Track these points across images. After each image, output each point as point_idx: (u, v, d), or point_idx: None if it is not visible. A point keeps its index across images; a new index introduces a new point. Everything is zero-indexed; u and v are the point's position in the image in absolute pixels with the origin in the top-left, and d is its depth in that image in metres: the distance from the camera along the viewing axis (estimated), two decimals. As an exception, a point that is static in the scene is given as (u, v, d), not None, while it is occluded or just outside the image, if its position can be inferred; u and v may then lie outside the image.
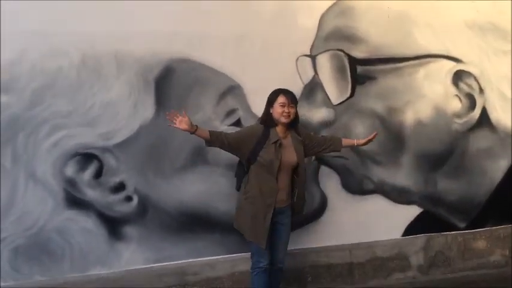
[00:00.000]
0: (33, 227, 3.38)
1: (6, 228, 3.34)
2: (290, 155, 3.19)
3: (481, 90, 4.49)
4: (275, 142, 3.13)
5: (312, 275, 4.03)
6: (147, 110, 3.57)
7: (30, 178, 3.36)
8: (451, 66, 4.41)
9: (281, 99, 3.16)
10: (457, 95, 4.42)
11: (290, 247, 3.84)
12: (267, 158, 3.11)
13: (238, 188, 3.34)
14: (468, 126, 4.46)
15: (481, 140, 4.50)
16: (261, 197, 3.13)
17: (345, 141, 3.53)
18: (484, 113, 4.52)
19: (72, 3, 3.38)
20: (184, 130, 3.05)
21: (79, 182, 3.46)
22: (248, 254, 3.55)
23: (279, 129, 3.20)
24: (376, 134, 3.52)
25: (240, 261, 3.81)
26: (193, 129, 3.05)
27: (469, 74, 4.45)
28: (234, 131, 3.35)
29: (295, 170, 3.23)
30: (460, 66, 4.43)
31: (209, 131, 3.13)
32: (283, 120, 3.15)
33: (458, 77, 4.42)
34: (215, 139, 3.11)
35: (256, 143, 3.13)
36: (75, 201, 3.46)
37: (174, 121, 3.05)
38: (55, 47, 3.36)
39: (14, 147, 3.32)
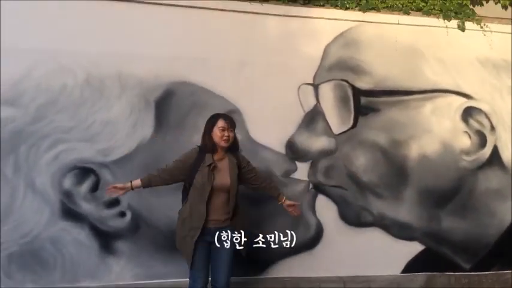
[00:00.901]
0: (28, 235, 3.54)
1: (3, 235, 3.50)
2: (224, 178, 3.21)
3: (493, 128, 4.37)
4: (209, 165, 3.16)
5: (303, 304, 3.98)
6: (146, 129, 3.71)
7: (29, 188, 3.53)
8: (460, 102, 4.33)
9: (221, 123, 3.19)
10: (466, 132, 4.33)
11: (280, 274, 3.89)
12: (200, 181, 3.14)
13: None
14: (478, 164, 4.34)
15: (491, 179, 4.37)
16: (190, 220, 3.16)
17: (282, 198, 3.46)
18: (496, 151, 4.38)
19: (79, 23, 3.59)
20: (125, 192, 3.18)
21: (75, 195, 3.61)
22: (235, 278, 3.60)
23: (218, 153, 3.22)
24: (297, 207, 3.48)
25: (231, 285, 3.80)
26: (129, 188, 3.18)
27: (479, 110, 4.35)
28: (172, 163, 3.27)
29: (228, 191, 3.23)
30: (470, 103, 4.35)
31: (140, 179, 3.20)
32: (223, 144, 3.18)
33: (468, 113, 4.33)
34: (147, 182, 3.21)
35: (192, 168, 3.17)
36: (70, 212, 3.61)
37: (113, 192, 3.18)
38: (61, 65, 3.57)
39: (15, 158, 3.51)
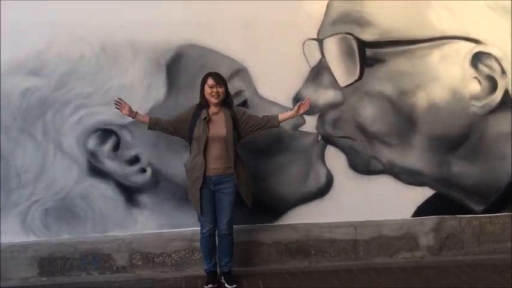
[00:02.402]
0: (60, 191, 3.96)
1: (39, 192, 3.94)
2: (219, 129, 3.51)
3: (503, 72, 4.35)
4: (204, 119, 3.48)
5: (315, 248, 4.25)
6: (159, 91, 3.98)
7: (58, 149, 3.93)
8: (469, 48, 4.32)
9: (210, 81, 3.51)
10: (476, 77, 4.33)
11: (292, 221, 4.14)
12: (197, 133, 3.49)
13: None
14: (488, 109, 4.36)
15: (502, 124, 4.38)
16: (193, 171, 3.52)
17: (282, 116, 3.71)
18: (507, 95, 4.38)
19: (92, -4, 3.86)
20: (125, 114, 3.59)
21: (99, 154, 3.97)
22: (249, 226, 4.07)
23: (212, 108, 3.55)
24: (308, 101, 3.70)
25: (242, 232, 4.11)
26: (132, 115, 3.57)
27: (489, 55, 4.33)
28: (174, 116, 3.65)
29: (224, 141, 3.52)
30: (479, 48, 4.33)
31: (149, 117, 3.60)
32: (213, 100, 3.51)
33: (478, 58, 4.32)
34: (154, 124, 3.60)
35: (191, 122, 3.53)
36: (96, 170, 3.99)
37: (119, 106, 3.57)
38: (78, 36, 3.87)
39: (44, 123, 3.90)
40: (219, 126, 3.53)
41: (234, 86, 4.03)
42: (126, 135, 3.97)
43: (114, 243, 4.02)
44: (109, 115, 3.93)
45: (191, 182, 3.56)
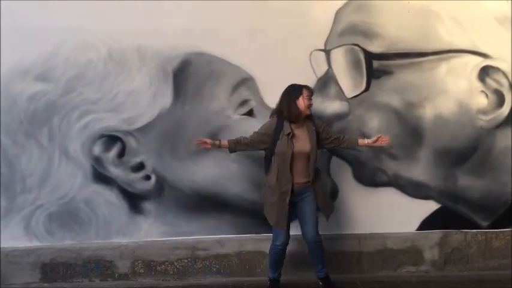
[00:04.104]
0: (65, 196, 3.96)
1: (43, 196, 3.93)
2: (303, 145, 3.52)
3: (511, 87, 4.33)
4: (287, 134, 3.48)
5: (319, 260, 4.19)
6: (166, 98, 3.98)
7: (63, 155, 3.93)
8: (477, 62, 4.31)
9: (307, 92, 3.53)
10: (483, 91, 4.32)
11: (296, 232, 4.08)
12: (282, 149, 3.47)
13: (266, 173, 3.71)
14: (495, 123, 4.33)
15: (509, 138, 4.35)
16: (278, 186, 3.50)
17: (361, 141, 3.80)
18: (515, 110, 4.36)
19: (100, 3, 3.90)
20: (211, 147, 3.62)
21: (104, 160, 3.97)
22: (255, 236, 4.07)
23: (296, 122, 3.54)
24: (388, 138, 3.78)
25: (247, 241, 4.11)
26: (216, 145, 3.58)
27: (497, 69, 4.32)
28: (254, 132, 3.65)
29: (308, 156, 3.54)
30: (487, 62, 4.31)
31: (228, 140, 3.61)
32: (307, 112, 3.55)
33: (485, 72, 4.31)
34: (235, 146, 3.60)
35: (272, 137, 3.51)
36: (101, 176, 3.98)
37: (201, 146, 3.60)
38: (86, 42, 3.90)
39: (50, 127, 3.92)
40: (303, 141, 3.53)
41: (240, 95, 4.06)
42: (131, 142, 3.97)
43: (117, 250, 4.01)
44: (115, 121, 3.94)
45: (276, 195, 3.51)
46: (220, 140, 3.62)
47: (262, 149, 3.63)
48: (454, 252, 4.34)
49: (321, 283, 3.80)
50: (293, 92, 3.55)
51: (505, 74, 4.33)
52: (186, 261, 4.09)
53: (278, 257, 3.68)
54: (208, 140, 3.58)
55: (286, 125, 3.51)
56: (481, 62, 4.32)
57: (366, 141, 3.80)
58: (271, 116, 3.68)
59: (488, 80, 4.32)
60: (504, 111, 4.35)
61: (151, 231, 4.06)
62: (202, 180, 4.05)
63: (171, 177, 4.03)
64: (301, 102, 3.50)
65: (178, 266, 4.09)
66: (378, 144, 3.76)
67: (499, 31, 4.33)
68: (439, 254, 4.32)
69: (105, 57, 3.91)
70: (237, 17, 4.03)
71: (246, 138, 3.60)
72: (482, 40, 4.31)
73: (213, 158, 4.05)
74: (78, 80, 3.90)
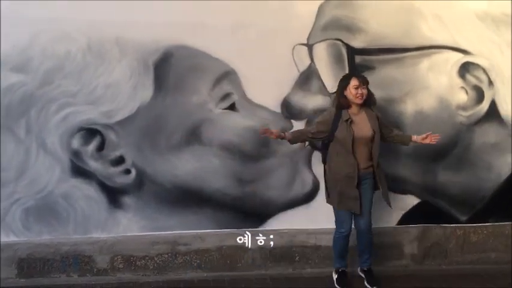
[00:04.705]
0: (42, 190, 3.88)
1: (20, 190, 3.85)
2: (363, 130, 3.60)
3: (491, 83, 4.38)
4: (346, 120, 3.56)
5: (300, 254, 4.21)
6: (146, 91, 3.92)
7: (40, 148, 3.84)
8: (457, 58, 4.34)
9: (354, 82, 3.57)
10: (463, 87, 4.35)
11: (278, 226, 4.11)
12: (341, 135, 3.55)
13: (323, 161, 3.79)
14: (475, 119, 4.37)
15: (488, 134, 4.40)
16: (343, 171, 3.58)
17: (414, 138, 3.82)
18: (494, 106, 4.41)
19: (79, -9, 3.80)
20: (276, 138, 3.63)
21: (83, 154, 3.90)
22: (236, 230, 4.06)
23: (352, 109, 3.62)
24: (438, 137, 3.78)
25: (228, 236, 4.09)
26: (282, 136, 3.61)
27: (477, 66, 4.36)
28: (314, 124, 3.73)
29: (370, 141, 3.63)
30: (467, 58, 4.35)
31: (291, 133, 3.68)
32: (358, 101, 3.58)
33: (466, 69, 4.34)
34: (296, 139, 3.69)
35: (332, 125, 3.57)
36: (79, 170, 3.91)
37: (266, 134, 3.61)
38: (64, 32, 3.80)
39: (27, 120, 3.82)
40: (363, 126, 3.60)
41: (222, 88, 4.02)
42: (111, 136, 3.90)
43: (96, 245, 3.95)
44: (94, 114, 3.86)
45: (342, 182, 3.58)
46: (285, 132, 3.65)
47: (321, 139, 3.69)
48: (433, 247, 4.39)
49: (362, 274, 3.87)
50: (341, 81, 3.66)
51: (484, 71, 4.37)
52: (166, 256, 4.05)
53: (344, 243, 3.75)
54: (274, 130, 3.60)
55: (344, 112, 3.60)
56: (461, 58, 4.35)
57: (415, 137, 3.82)
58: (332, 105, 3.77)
59: (468, 77, 4.36)
60: (483, 107, 4.39)
61: (131, 226, 4.01)
62: (184, 175, 4.01)
63: (151, 171, 3.98)
64: (349, 92, 3.58)
65: (158, 261, 4.05)
66: (427, 141, 3.77)
67: (480, 28, 4.37)
68: (419, 248, 4.36)
69: (84, 48, 3.82)
70: (220, 10, 3.97)
71: (308, 129, 3.70)
72: (463, 37, 4.34)
73: (195, 152, 4.01)
74: (56, 72, 3.80)
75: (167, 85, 3.94)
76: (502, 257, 4.40)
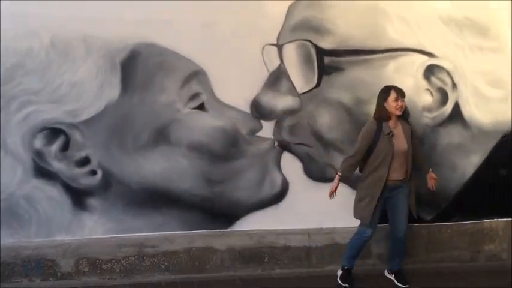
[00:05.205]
0: (3, 192, 3.77)
1: (-21, 191, 3.70)
2: (401, 143, 3.70)
3: (454, 86, 4.47)
4: (388, 134, 3.63)
5: (269, 255, 4.19)
6: (113, 90, 3.84)
7: (1, 148, 3.70)
8: (423, 61, 4.41)
9: (394, 94, 3.65)
10: (428, 89, 4.43)
11: (247, 227, 4.08)
12: (382, 148, 3.62)
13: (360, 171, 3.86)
14: (439, 120, 4.45)
15: (452, 135, 4.49)
16: (372, 183, 3.68)
17: (428, 173, 4.00)
18: (457, 108, 4.50)
19: (43, -13, 3.68)
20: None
21: (46, 154, 3.78)
22: (204, 232, 4.02)
23: (392, 122, 3.70)
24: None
25: (197, 237, 4.04)
26: (339, 181, 3.74)
27: (442, 68, 4.44)
28: (358, 142, 3.72)
29: (406, 154, 3.73)
30: (432, 61, 4.43)
31: (342, 171, 3.75)
32: (397, 113, 3.66)
33: (431, 71, 4.42)
34: (348, 172, 3.77)
35: (374, 137, 3.64)
36: (42, 171, 3.80)
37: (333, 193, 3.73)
38: (27, 28, 3.68)
39: (-14, 119, 3.66)
40: (401, 140, 3.70)
41: (191, 88, 3.98)
42: (76, 135, 3.80)
43: (60, 249, 3.83)
44: (58, 113, 3.77)
45: (369, 191, 3.69)
46: (338, 174, 3.75)
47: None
48: (399, 246, 4.43)
49: (391, 276, 4.04)
50: (382, 93, 3.72)
51: (448, 73, 4.46)
52: (133, 258, 3.97)
53: (362, 247, 3.87)
54: (334, 185, 3.73)
55: (385, 125, 3.66)
56: (426, 60, 4.42)
57: (429, 173, 4.02)
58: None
59: (433, 79, 4.44)
60: (447, 109, 4.48)
61: (97, 228, 3.91)
62: (151, 175, 3.95)
63: (118, 172, 3.89)
64: (390, 104, 3.64)
65: (125, 264, 3.96)
66: (430, 183, 3.99)
67: (444, 31, 4.45)
68: (385, 247, 4.40)
69: (47, 45, 3.71)
70: (189, 8, 3.93)
71: (354, 155, 3.70)
72: (428, 40, 4.42)
73: (163, 152, 3.96)
74: (17, 69, 3.68)
75: (135, 84, 3.88)
76: (465, 255, 4.50)
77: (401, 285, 3.94)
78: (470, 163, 4.57)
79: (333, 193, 3.73)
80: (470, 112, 4.52)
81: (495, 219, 4.60)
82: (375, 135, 3.64)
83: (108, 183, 3.88)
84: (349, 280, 3.91)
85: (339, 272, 3.93)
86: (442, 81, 4.46)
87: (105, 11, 3.77)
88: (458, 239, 4.54)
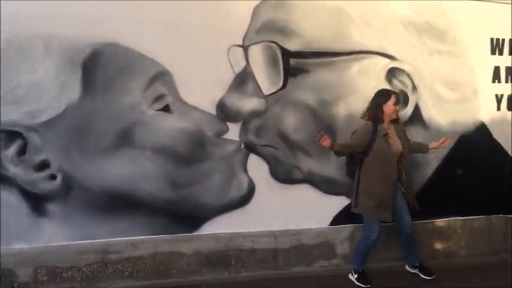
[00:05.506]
0: (-45, 198, 3.50)
1: None
2: (397, 144, 3.89)
3: (414, 88, 4.61)
4: (384, 135, 3.80)
5: (235, 258, 4.15)
6: (74, 91, 3.68)
7: (-47, 152, 3.46)
8: (385, 63, 4.52)
9: (394, 98, 3.86)
10: (390, 91, 4.52)
11: (214, 231, 4.03)
12: (381, 148, 3.78)
13: (350, 175, 4.07)
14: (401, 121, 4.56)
15: (413, 136, 4.58)
16: (381, 181, 3.79)
17: (431, 145, 4.17)
18: (417, 110, 4.63)
19: (0, -16, 3.48)
20: (325, 146, 3.73)
21: (2, 158, 3.59)
22: (169, 236, 3.91)
23: (385, 124, 3.87)
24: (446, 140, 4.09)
25: (162, 242, 3.95)
26: (331, 145, 3.74)
27: (402, 71, 4.57)
28: (352, 137, 3.91)
29: (400, 155, 3.90)
30: (394, 64, 4.55)
31: (336, 144, 3.78)
32: (394, 116, 3.91)
33: (392, 74, 4.54)
34: (342, 151, 3.87)
35: (370, 138, 3.77)
36: (-3, 176, 3.57)
37: (320, 138, 3.71)
38: (-19, 26, 3.46)
39: None
40: (396, 141, 3.89)
41: (156, 89, 3.89)
42: (34, 138, 3.62)
43: (17, 257, 3.64)
44: (15, 115, 3.58)
45: (378, 191, 3.78)
46: (334, 143, 3.77)
47: (358, 152, 3.86)
48: (363, 246, 4.50)
49: (415, 270, 4.21)
50: (381, 96, 3.89)
51: (409, 76, 4.60)
52: (95, 265, 3.82)
53: (370, 249, 3.98)
54: (328, 139, 3.72)
55: (380, 126, 3.82)
56: (388, 63, 4.54)
57: (432, 144, 4.18)
58: (362, 117, 3.98)
59: (395, 81, 4.56)
60: (408, 111, 4.61)
61: (57, 235, 3.74)
62: (115, 179, 3.81)
63: (79, 176, 3.74)
64: (389, 107, 3.84)
65: (86, 272, 3.81)
66: (445, 144, 4.14)
67: (404, 35, 4.59)
68: (350, 247, 4.47)
69: (4, 44, 3.51)
70: (153, 8, 3.84)
71: (348, 144, 3.85)
72: (389, 43, 4.54)
73: (126, 155, 3.83)
74: (-30, 69, 3.46)
75: (97, 85, 3.73)
76: (426, 253, 4.61)
77: (427, 277, 4.12)
78: (429, 164, 4.72)
79: (320, 132, 3.74)
80: (429, 114, 4.68)
81: (453, 218, 4.74)
82: (371, 136, 3.76)
83: (69, 188, 3.72)
84: (367, 280, 4.00)
85: (354, 276, 4.03)
86: (403, 83, 4.58)
87: (66, 8, 3.62)
88: (418, 238, 4.63)
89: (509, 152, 4.95)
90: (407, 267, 4.28)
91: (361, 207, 3.90)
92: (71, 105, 3.67)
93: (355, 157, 3.93)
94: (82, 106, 3.69)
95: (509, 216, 4.94)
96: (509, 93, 4.94)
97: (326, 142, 3.69)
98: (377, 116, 3.84)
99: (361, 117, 4.00)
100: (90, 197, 3.77)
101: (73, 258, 3.76)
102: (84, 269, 3.80)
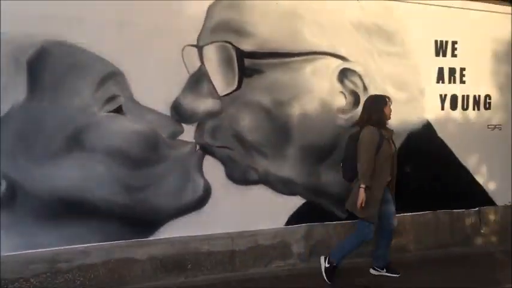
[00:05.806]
0: None
1: None
2: (392, 147, 4.06)
3: (365, 88, 4.70)
4: (387, 138, 3.98)
5: (192, 262, 4.09)
6: (18, 92, 3.47)
7: None
8: (337, 64, 4.59)
9: (389, 102, 4.04)
10: (342, 92, 4.61)
11: (169, 235, 3.95)
12: (387, 151, 3.93)
13: (350, 179, 4.09)
14: (352, 121, 4.63)
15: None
16: (379, 184, 3.91)
17: None
18: (368, 110, 4.72)
19: None
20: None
21: None
22: (123, 242, 3.81)
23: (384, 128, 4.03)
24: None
25: (116, 248, 3.82)
26: (371, 184, 3.87)
27: (354, 72, 4.65)
28: (363, 148, 3.92)
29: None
30: (345, 65, 4.62)
31: (370, 178, 3.86)
32: (389, 119, 4.07)
33: (344, 74, 4.61)
34: (371, 168, 3.89)
35: (379, 142, 3.88)
36: None
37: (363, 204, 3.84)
38: None
39: None
40: (391, 143, 4.04)
41: (108, 90, 3.75)
42: (-24, 142, 3.37)
43: (-42, 271, 3.38)
44: (-47, 117, 3.31)
45: (376, 192, 3.88)
46: (363, 187, 3.83)
47: None
48: (318, 244, 4.57)
49: (384, 271, 4.28)
50: (380, 101, 4.03)
51: (360, 77, 4.69)
52: (44, 276, 3.62)
53: (358, 247, 4.07)
54: (363, 196, 3.83)
55: (382, 130, 3.96)
56: (340, 64, 4.61)
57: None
58: (357, 124, 4.10)
59: (346, 82, 4.63)
60: (359, 110, 4.66)
61: (3, 245, 3.51)
62: (64, 184, 3.64)
63: (25, 182, 3.53)
64: (388, 111, 4.01)
65: (35, 283, 3.60)
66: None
67: (355, 36, 4.67)
68: (305, 246, 4.52)
69: None
70: (104, 6, 3.68)
71: (369, 163, 3.84)
72: (341, 44, 4.60)
73: (77, 159, 3.66)
74: None
75: (44, 85, 3.53)
76: (378, 249, 4.74)
77: (395, 275, 4.23)
78: (379, 161, 4.82)
79: (361, 205, 3.83)
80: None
81: (402, 214, 4.89)
82: (379, 140, 3.88)
83: (15, 195, 3.51)
84: (333, 277, 4.05)
85: (325, 264, 4.07)
86: (355, 84, 4.67)
87: (10, 4, 3.39)
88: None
89: (453, 150, 5.16)
90: (372, 271, 4.33)
91: (368, 211, 3.91)
92: (16, 106, 3.46)
93: (348, 163, 4.05)
94: (28, 108, 3.49)
95: (454, 211, 5.16)
96: (452, 93, 5.14)
97: (365, 193, 3.82)
98: (381, 120, 3.97)
99: (356, 124, 4.15)
100: (38, 204, 3.58)
101: (20, 268, 3.54)
102: (32, 280, 3.60)
